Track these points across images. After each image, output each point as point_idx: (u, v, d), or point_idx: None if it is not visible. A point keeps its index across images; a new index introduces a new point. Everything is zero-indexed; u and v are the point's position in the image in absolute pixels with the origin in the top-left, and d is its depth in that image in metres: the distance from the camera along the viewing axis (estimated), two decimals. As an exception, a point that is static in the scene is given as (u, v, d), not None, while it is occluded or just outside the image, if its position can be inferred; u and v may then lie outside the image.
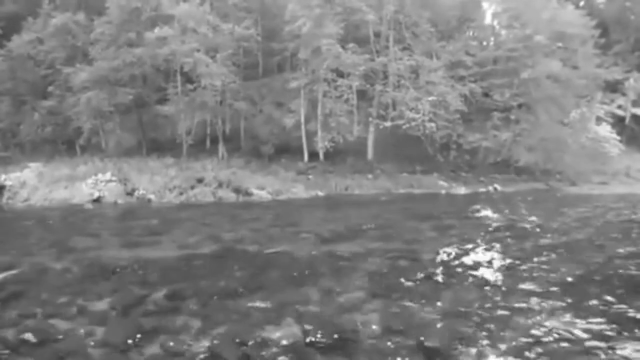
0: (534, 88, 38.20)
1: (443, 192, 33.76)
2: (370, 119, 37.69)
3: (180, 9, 35.64)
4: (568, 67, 39.30)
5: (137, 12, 37.33)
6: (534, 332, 7.74)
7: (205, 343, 7.58)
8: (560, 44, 40.17)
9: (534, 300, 9.24)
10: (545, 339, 7.46)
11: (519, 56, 39.27)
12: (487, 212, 23.24)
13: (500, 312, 8.65)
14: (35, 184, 30.66)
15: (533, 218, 20.82)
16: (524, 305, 8.99)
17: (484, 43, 48.51)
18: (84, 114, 36.49)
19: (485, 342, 7.43)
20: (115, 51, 36.54)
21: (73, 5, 44.85)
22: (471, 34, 48.30)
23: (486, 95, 41.45)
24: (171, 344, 7.61)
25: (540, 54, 38.64)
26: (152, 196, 29.12)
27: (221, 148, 38.11)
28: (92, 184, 29.85)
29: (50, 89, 39.21)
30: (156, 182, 30.18)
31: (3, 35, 44.11)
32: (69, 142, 40.70)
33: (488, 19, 50.61)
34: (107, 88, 36.12)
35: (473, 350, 7.14)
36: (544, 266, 11.90)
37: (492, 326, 8.01)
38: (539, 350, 7.15)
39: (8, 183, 30.82)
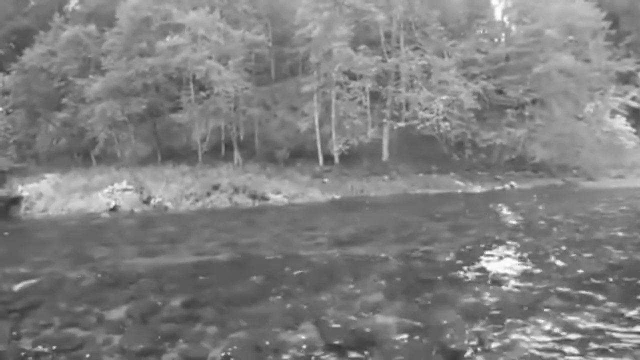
0: (546, 83, 37.94)
1: (459, 191, 33.56)
2: (384, 120, 37.61)
3: (190, 17, 35.60)
4: (580, 60, 38.91)
5: (147, 22, 37.40)
6: (553, 331, 7.66)
7: (223, 349, 7.58)
8: (571, 37, 39.75)
9: (553, 299, 9.16)
10: (565, 339, 7.39)
11: (531, 51, 39.06)
12: (504, 211, 23.14)
13: (519, 312, 8.57)
14: (51, 194, 30.95)
15: (550, 215, 20.66)
16: (542, 304, 8.91)
17: (495, 40, 48.34)
18: (98, 124, 36.64)
19: (504, 342, 7.36)
20: (127, 61, 36.57)
21: (83, 17, 45.18)
22: (482, 31, 48.05)
23: (499, 92, 41.28)
24: (189, 350, 7.65)
25: (551, 49, 38.33)
26: (168, 204, 29.26)
27: (236, 154, 38.15)
28: (109, 193, 30.05)
29: (64, 100, 39.25)
30: (172, 189, 30.35)
31: (15, 50, 44.67)
32: (85, 152, 40.78)
33: (498, 15, 50.49)
34: (121, 98, 36.25)
35: (492, 351, 7.08)
36: (563, 264, 11.80)
37: (510, 326, 7.95)
38: (559, 350, 7.09)
39: (25, 194, 31.15)
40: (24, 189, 31.77)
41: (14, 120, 42.05)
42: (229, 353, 7.42)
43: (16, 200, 30.94)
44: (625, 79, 45.44)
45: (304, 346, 7.52)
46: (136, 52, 37.13)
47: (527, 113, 39.33)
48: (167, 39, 35.02)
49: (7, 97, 42.40)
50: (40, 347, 8.02)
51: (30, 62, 40.11)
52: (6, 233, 22.87)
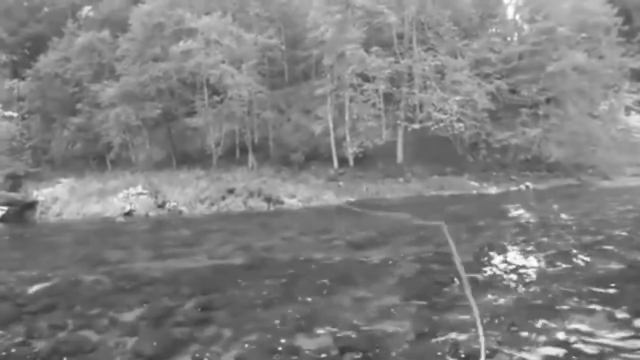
0: (560, 81, 37.50)
1: (474, 192, 33.34)
2: (398, 122, 37.36)
3: (203, 22, 35.77)
4: (593, 57, 38.52)
5: (160, 27, 37.66)
6: (569, 335, 7.58)
7: (237, 353, 7.59)
8: (584, 35, 39.37)
9: (570, 301, 9.07)
10: (583, 343, 7.30)
11: (544, 50, 38.69)
12: (520, 211, 23.01)
13: (536, 314, 8.49)
14: (67, 198, 31.36)
15: (567, 215, 20.52)
16: (560, 307, 8.82)
17: (508, 39, 47.94)
18: (113, 129, 36.90)
19: (521, 346, 7.28)
20: (141, 66, 36.89)
21: (97, 24, 45.38)
22: (494, 30, 47.74)
23: (513, 91, 40.89)
24: (202, 354, 7.66)
25: (564, 46, 37.92)
26: (183, 208, 29.45)
27: (251, 158, 38.21)
28: (124, 197, 30.30)
29: (78, 106, 39.61)
30: (187, 193, 30.59)
31: (29, 56, 45.01)
32: (100, 157, 41.16)
33: (510, 14, 50.16)
34: (135, 103, 36.41)
35: (508, 355, 7.00)
36: (581, 265, 11.70)
37: (527, 330, 7.88)
38: (575, 354, 7.02)
39: (40, 198, 31.65)
40: (39, 193, 32.25)
41: (29, 125, 42.56)
42: (242, 357, 7.44)
43: (31, 205, 31.41)
44: (638, 75, 45.04)
45: (318, 350, 7.50)
46: (150, 57, 37.40)
47: (541, 112, 38.84)
48: (181, 43, 35.23)
49: (22, 103, 43.09)
50: (53, 349, 8.07)
51: (44, 68, 40.49)
52: (27, 236, 23.10)
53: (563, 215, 20.53)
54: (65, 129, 41.65)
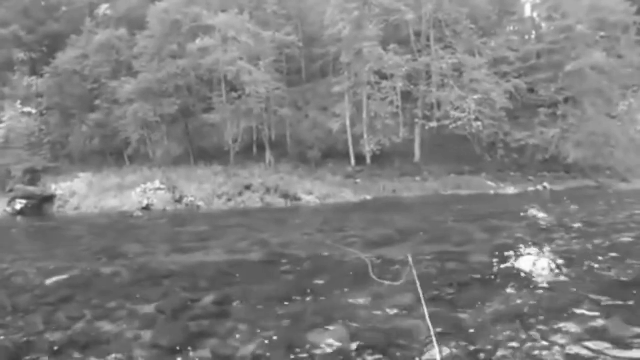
0: (579, 81, 37.15)
1: (491, 192, 33.18)
2: (415, 120, 37.30)
3: (220, 19, 35.99)
4: (612, 56, 38.17)
5: (177, 24, 37.96)
6: (584, 338, 7.46)
7: (253, 347, 7.53)
8: (602, 33, 38.96)
9: (585, 305, 8.93)
10: (598, 346, 7.16)
11: (562, 48, 38.42)
12: (537, 212, 22.79)
13: (551, 316, 8.36)
14: (85, 193, 31.74)
15: (584, 217, 20.28)
16: (575, 310, 8.69)
17: (526, 37, 47.66)
18: (131, 125, 37.38)
19: (536, 347, 7.20)
20: (158, 63, 37.22)
21: (114, 22, 45.77)
22: (512, 28, 47.51)
23: (531, 90, 40.69)
24: (219, 348, 7.61)
25: (583, 45, 37.59)
26: (200, 203, 29.70)
27: (268, 154, 38.37)
28: (141, 192, 30.56)
29: (97, 102, 40.03)
30: (204, 189, 30.89)
31: (48, 54, 45.38)
32: (118, 152, 41.51)
33: (527, 12, 49.83)
34: (153, 99, 36.79)
35: (522, 357, 6.93)
36: (597, 269, 11.49)
37: (543, 331, 7.75)
38: (592, 356, 6.92)
39: (59, 192, 32.06)
40: (58, 187, 32.68)
41: (48, 121, 42.84)
42: (259, 351, 7.37)
43: (49, 198, 31.82)
44: (657, 75, 44.59)
45: (335, 346, 7.44)
46: (167, 54, 37.73)
47: (559, 112, 38.56)
48: (198, 41, 35.61)
49: (41, 100, 43.40)
50: (70, 341, 8.07)
51: (63, 66, 40.79)
52: (45, 228, 23.23)
53: (580, 218, 20.30)
54: (84, 124, 42.24)
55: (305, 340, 7.66)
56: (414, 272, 10.16)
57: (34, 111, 41.75)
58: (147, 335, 8.23)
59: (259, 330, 8.19)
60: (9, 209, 31.76)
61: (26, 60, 49.37)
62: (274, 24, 40.43)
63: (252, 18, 38.57)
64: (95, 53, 40.94)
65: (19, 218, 30.33)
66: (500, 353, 6.97)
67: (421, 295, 8.94)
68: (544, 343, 7.25)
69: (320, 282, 11.06)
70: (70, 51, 42.05)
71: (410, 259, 11.07)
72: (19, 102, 42.00)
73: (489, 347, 7.16)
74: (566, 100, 38.71)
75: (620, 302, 8.99)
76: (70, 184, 33.56)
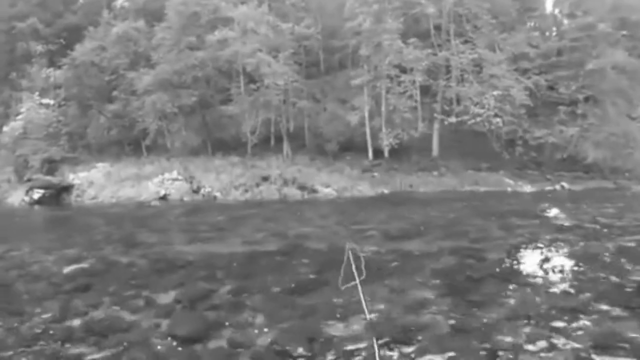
0: (599, 80, 36.73)
1: (509, 190, 32.87)
2: (434, 114, 37.06)
3: (239, 11, 36.09)
4: (634, 56, 37.74)
5: (195, 16, 38.01)
6: (599, 338, 7.37)
7: (270, 338, 7.58)
8: (624, 32, 38.50)
9: (601, 304, 8.82)
10: (612, 346, 7.12)
11: (583, 46, 38.01)
12: (555, 212, 22.63)
13: (567, 315, 8.33)
14: (102, 182, 32.11)
15: (602, 218, 20.02)
16: (590, 309, 8.61)
17: (547, 33, 47.33)
18: (149, 116, 37.40)
19: (549, 345, 7.14)
20: (177, 55, 37.21)
21: (132, 13, 46.00)
22: (532, 24, 47.18)
23: (551, 88, 40.29)
24: (236, 337, 7.66)
25: (604, 44, 37.16)
26: (217, 194, 29.94)
27: (286, 146, 38.41)
28: (159, 182, 30.78)
29: (114, 93, 40.19)
30: (222, 180, 31.17)
31: (65, 46, 45.66)
32: (135, 143, 41.64)
33: (549, 8, 49.45)
34: (171, 90, 36.89)
35: (537, 354, 6.88)
36: (613, 269, 11.36)
37: (558, 330, 7.71)
38: (605, 357, 6.82)
39: (76, 182, 32.39)
40: (76, 177, 32.98)
41: (66, 112, 43.08)
42: (276, 342, 7.40)
43: (67, 188, 32.14)
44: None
45: (352, 338, 7.46)
46: (185, 46, 37.71)
47: (579, 111, 38.14)
48: (216, 32, 35.53)
49: (59, 91, 43.65)
50: (88, 328, 8.13)
51: (81, 57, 40.91)
52: (62, 217, 23.36)
53: (598, 219, 20.04)
54: (102, 115, 42.53)
55: (321, 331, 7.73)
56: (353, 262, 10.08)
57: (52, 102, 41.97)
58: (164, 324, 8.33)
59: (275, 321, 8.27)
60: (26, 199, 32.07)
61: (44, 52, 49.80)
62: (293, 16, 40.50)
63: (271, 10, 38.66)
64: (113, 45, 41.12)
65: (36, 207, 30.59)
66: (513, 351, 6.93)
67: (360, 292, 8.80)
68: (557, 343, 7.21)
69: (337, 274, 10.96)
70: (88, 43, 42.26)
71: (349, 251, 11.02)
72: (37, 93, 42.32)
73: (502, 344, 7.15)
74: (586, 99, 38.34)
75: (635, 306, 8.86)
76: (88, 174, 33.87)
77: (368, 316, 7.72)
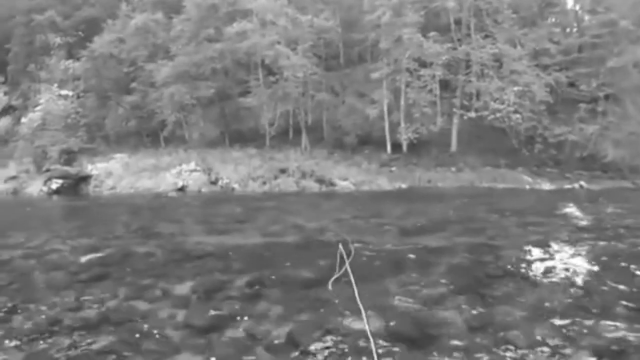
0: (620, 77, 36.25)
1: (527, 187, 32.54)
2: (454, 109, 36.76)
3: (258, 3, 36.26)
4: (656, 54, 37.32)
5: (214, 8, 38.43)
6: (617, 340, 7.19)
7: (286, 330, 7.47)
8: (646, 30, 38.09)
9: (619, 308, 8.63)
10: (628, 349, 6.92)
11: (604, 43, 37.56)
12: (573, 211, 22.35)
13: (583, 315, 8.12)
14: (120, 173, 32.53)
15: (620, 219, 19.75)
16: (610, 311, 8.40)
17: (567, 29, 46.91)
18: (167, 107, 37.71)
19: (566, 346, 6.97)
20: (195, 47, 37.51)
21: (150, 6, 46.29)
22: (553, 20, 46.74)
23: (572, 85, 39.89)
24: (252, 329, 7.58)
25: (626, 41, 36.67)
26: (235, 185, 30.22)
27: (304, 139, 38.43)
28: (177, 173, 31.06)
29: (133, 84, 40.63)
30: (240, 171, 31.49)
31: (84, 38, 46.20)
32: (153, 134, 42.13)
33: (570, 3, 48.95)
34: (189, 82, 37.25)
35: (554, 354, 6.73)
36: (632, 270, 11.17)
37: (574, 330, 7.53)
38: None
39: (94, 173, 32.81)
40: (94, 167, 33.36)
41: (84, 103, 43.53)
42: (292, 334, 7.29)
43: (85, 178, 32.52)
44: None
45: (368, 333, 7.22)
46: (204, 38, 38.04)
47: (600, 108, 37.65)
48: (235, 24, 35.68)
49: (77, 82, 44.08)
50: (104, 317, 8.09)
51: (99, 49, 41.65)
52: (80, 207, 23.50)
53: (616, 219, 19.79)
54: (120, 106, 43.06)
55: (338, 325, 7.57)
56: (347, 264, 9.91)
57: (70, 94, 42.24)
58: (180, 314, 8.25)
59: (292, 314, 8.17)
60: (45, 189, 32.46)
61: (62, 44, 50.19)
62: (312, 8, 40.50)
63: (290, 2, 38.68)
64: (131, 37, 41.71)
65: (54, 197, 30.92)
66: (529, 351, 6.81)
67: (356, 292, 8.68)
68: (573, 344, 7.05)
69: (355, 268, 10.87)
70: (107, 35, 42.95)
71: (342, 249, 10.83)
72: (55, 85, 42.65)
73: (519, 344, 6.99)
74: (607, 96, 37.79)
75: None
76: (106, 165, 34.20)
77: (364, 313, 7.65)
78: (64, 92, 41.76)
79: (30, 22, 50.01)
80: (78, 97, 43.52)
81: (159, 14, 42.41)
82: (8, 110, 48.97)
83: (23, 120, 41.11)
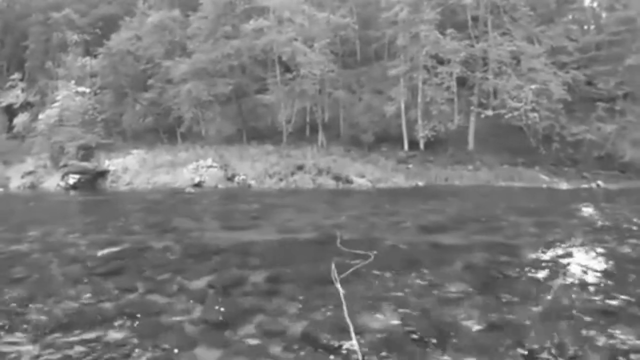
0: (639, 76, 36.15)
1: (544, 186, 32.25)
2: (471, 107, 36.60)
3: (275, 0, 36.07)
4: (674, 53, 36.88)
5: (231, 5, 38.69)
6: (635, 343, 7.10)
7: (302, 326, 7.46)
8: (665, 27, 37.66)
9: (637, 308, 8.56)
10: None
11: (623, 40, 37.27)
12: (591, 211, 22.15)
13: (601, 317, 8.02)
14: (137, 169, 32.83)
15: (638, 220, 19.61)
16: (627, 313, 8.32)
17: (585, 27, 46.59)
18: (184, 104, 37.97)
19: (583, 346, 6.90)
20: (212, 44, 37.67)
21: (167, 3, 46.67)
22: (571, 17, 46.42)
23: (589, 83, 39.55)
24: (268, 325, 7.58)
25: (644, 39, 36.51)
26: (252, 182, 30.41)
27: (321, 136, 38.47)
28: (193, 169, 31.27)
29: (150, 81, 40.97)
30: (256, 168, 31.71)
31: (102, 35, 46.58)
32: (170, 130, 42.35)
33: (588, 0, 48.59)
34: (207, 79, 37.34)
35: (570, 354, 6.66)
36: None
37: (591, 331, 7.46)
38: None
39: (112, 168, 33.16)
40: (111, 163, 33.70)
41: (102, 100, 43.90)
42: (308, 330, 7.28)
43: (103, 174, 32.84)
44: None
45: (384, 330, 7.28)
46: (221, 35, 38.19)
47: (618, 107, 37.22)
48: (252, 21, 35.75)
49: (95, 79, 44.51)
50: (121, 311, 8.11)
51: (117, 46, 42.03)
52: (97, 202, 23.62)
53: (634, 220, 19.63)
54: (137, 103, 43.30)
55: (354, 322, 7.46)
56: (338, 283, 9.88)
57: (87, 90, 42.62)
58: (197, 309, 8.27)
59: (308, 311, 8.14)
60: (62, 184, 32.80)
61: (80, 41, 50.58)
62: (329, 5, 40.66)
63: (307, 0, 38.54)
64: (148, 34, 42.04)
65: (72, 192, 31.19)
66: (544, 353, 6.73)
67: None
68: (591, 345, 6.97)
69: (372, 265, 10.85)
70: (124, 32, 43.35)
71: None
72: (72, 81, 43.01)
73: (535, 344, 6.93)
74: (625, 95, 37.42)
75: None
76: (123, 160, 34.46)
77: (351, 325, 7.39)
78: (81, 89, 42.11)
79: (47, 20, 50.42)
80: (95, 93, 43.99)
81: (176, 11, 42.76)
82: (26, 106, 49.40)
83: (40, 116, 41.23)
